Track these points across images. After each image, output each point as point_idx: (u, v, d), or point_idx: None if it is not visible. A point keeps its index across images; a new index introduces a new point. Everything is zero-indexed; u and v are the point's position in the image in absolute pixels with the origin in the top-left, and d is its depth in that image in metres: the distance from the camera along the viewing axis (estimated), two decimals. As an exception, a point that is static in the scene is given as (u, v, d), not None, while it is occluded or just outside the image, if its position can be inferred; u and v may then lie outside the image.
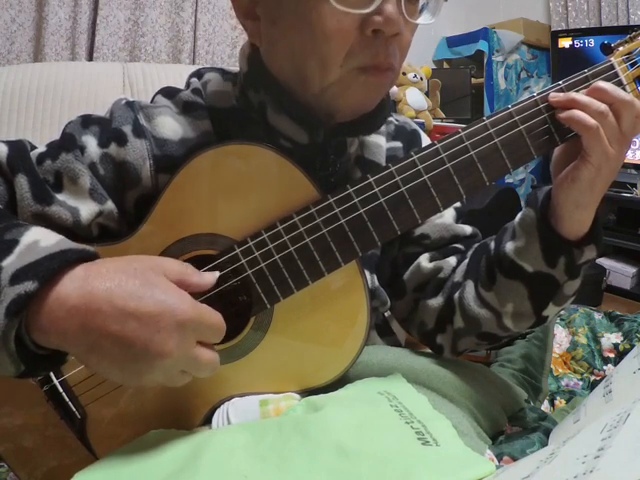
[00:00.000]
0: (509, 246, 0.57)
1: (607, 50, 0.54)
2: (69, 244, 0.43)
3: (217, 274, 0.48)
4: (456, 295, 0.62)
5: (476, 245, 0.66)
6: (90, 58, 1.89)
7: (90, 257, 0.44)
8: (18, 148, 0.53)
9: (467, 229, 0.68)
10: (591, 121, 0.48)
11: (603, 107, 0.49)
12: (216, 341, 0.45)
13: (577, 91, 0.51)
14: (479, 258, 0.61)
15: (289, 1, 0.50)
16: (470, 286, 0.60)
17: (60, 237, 0.44)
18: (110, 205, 0.54)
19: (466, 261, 0.64)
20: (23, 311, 0.39)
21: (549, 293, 0.56)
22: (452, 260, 0.66)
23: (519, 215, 0.58)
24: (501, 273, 0.57)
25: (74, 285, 0.41)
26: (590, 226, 0.54)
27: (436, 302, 0.64)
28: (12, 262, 0.41)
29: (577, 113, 0.49)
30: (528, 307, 0.57)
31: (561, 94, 0.51)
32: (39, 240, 0.43)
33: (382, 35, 0.49)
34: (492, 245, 0.60)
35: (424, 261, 0.66)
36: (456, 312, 0.62)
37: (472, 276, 0.61)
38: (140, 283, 0.41)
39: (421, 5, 0.53)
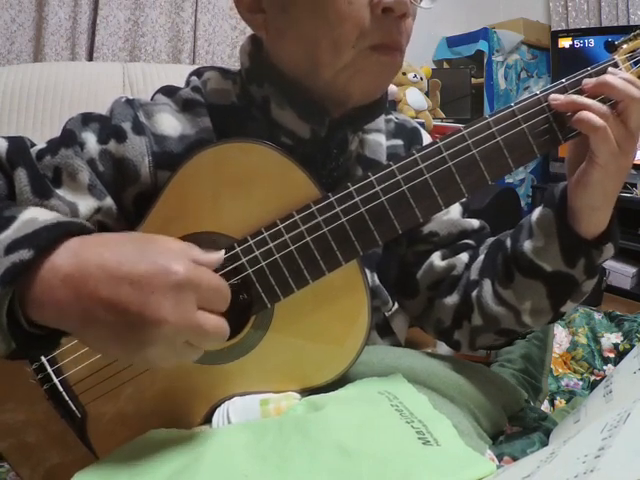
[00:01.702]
0: (527, 245, 0.57)
1: (611, 48, 0.53)
2: (66, 218, 0.43)
3: (222, 253, 0.45)
4: (474, 294, 0.62)
5: (489, 242, 0.66)
6: (90, 58, 1.89)
7: (87, 230, 0.43)
8: (18, 143, 0.53)
9: (474, 223, 0.69)
10: (599, 121, 0.48)
11: (604, 109, 0.48)
12: (222, 307, 0.42)
13: (580, 89, 0.51)
14: (495, 256, 0.61)
15: None
16: (487, 284, 0.61)
17: (58, 214, 0.44)
18: (109, 201, 0.54)
19: (481, 258, 0.64)
20: (17, 279, 0.39)
21: (568, 291, 0.57)
22: (464, 257, 0.66)
23: (535, 213, 0.57)
24: (519, 272, 0.57)
25: (68, 254, 0.40)
26: (607, 224, 0.54)
27: (452, 300, 0.64)
28: (8, 235, 0.41)
29: (584, 114, 0.49)
30: (546, 304, 0.57)
31: (561, 96, 0.51)
32: (37, 216, 0.43)
33: (391, 15, 0.51)
34: (508, 243, 0.60)
35: (436, 259, 0.66)
36: (474, 310, 0.62)
37: (489, 274, 0.61)
38: (134, 247, 0.41)
39: None
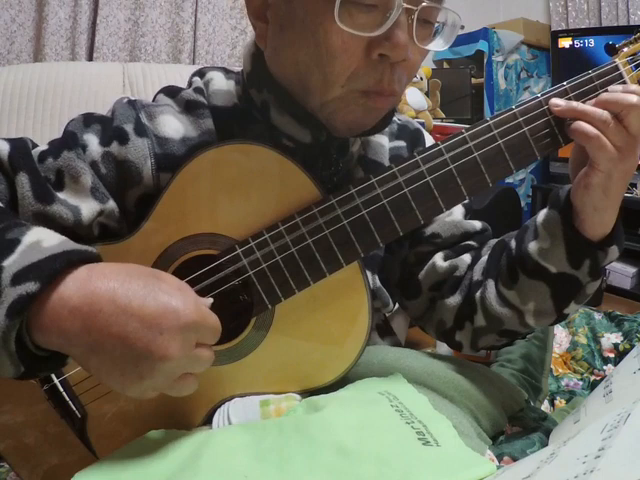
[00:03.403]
0: (532, 246, 0.57)
1: (611, 51, 0.53)
2: (72, 245, 0.43)
3: (211, 300, 0.47)
4: (477, 294, 0.62)
5: (493, 243, 0.66)
6: (90, 58, 1.89)
7: (93, 258, 0.43)
8: (20, 146, 0.53)
9: (477, 224, 0.69)
10: (592, 131, 0.48)
11: (605, 116, 0.49)
12: (213, 342, 0.45)
13: (581, 92, 0.51)
14: (499, 257, 0.61)
15: (299, 12, 0.49)
16: (491, 285, 0.61)
17: (63, 238, 0.44)
18: (111, 204, 0.54)
19: (484, 258, 0.64)
20: (24, 312, 0.39)
21: (572, 293, 0.57)
22: (466, 257, 0.66)
23: (541, 215, 0.57)
24: (524, 273, 0.57)
25: (76, 285, 0.40)
26: (612, 226, 0.54)
27: (454, 300, 0.64)
28: (14, 262, 0.40)
29: (578, 124, 0.49)
30: (550, 305, 0.57)
31: (562, 102, 0.51)
32: (41, 240, 0.42)
33: (388, 60, 0.49)
34: (513, 244, 0.60)
35: (439, 260, 0.66)
36: (477, 311, 0.62)
37: (492, 275, 0.61)
38: (144, 284, 0.41)
39: (435, 29, 0.52)
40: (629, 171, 0.51)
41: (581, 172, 0.52)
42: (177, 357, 0.40)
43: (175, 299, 0.41)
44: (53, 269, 0.40)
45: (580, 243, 0.54)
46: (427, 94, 2.35)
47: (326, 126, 0.56)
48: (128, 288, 0.40)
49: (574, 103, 0.50)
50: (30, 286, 0.39)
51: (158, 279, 0.43)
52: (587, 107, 0.50)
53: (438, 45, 0.53)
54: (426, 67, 2.43)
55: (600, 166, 0.49)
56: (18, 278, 0.39)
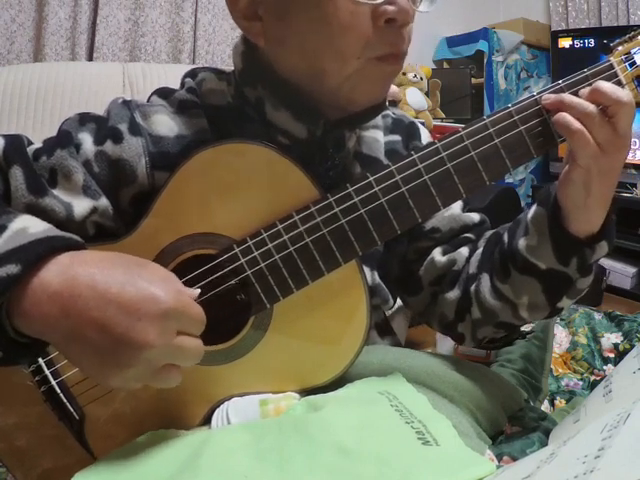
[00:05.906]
0: (522, 243, 0.57)
1: (606, 50, 0.54)
2: (56, 232, 0.43)
3: (198, 291, 0.47)
4: (472, 288, 0.63)
5: (488, 235, 0.67)
6: (90, 58, 1.89)
7: (77, 246, 0.44)
8: (15, 141, 0.53)
9: (475, 217, 0.69)
10: (575, 125, 0.48)
11: (590, 109, 0.48)
12: (198, 332, 0.44)
13: (577, 90, 0.51)
14: (492, 250, 0.62)
15: None
16: (485, 279, 0.61)
17: (49, 225, 0.44)
18: (104, 202, 0.54)
19: (479, 251, 0.65)
20: (5, 294, 0.39)
21: (563, 288, 0.57)
22: (464, 251, 0.66)
23: (531, 211, 0.58)
24: (515, 268, 0.58)
25: (58, 271, 0.40)
26: (602, 223, 0.54)
27: (454, 294, 0.65)
28: None
29: (562, 117, 0.49)
30: (543, 300, 0.58)
31: (552, 95, 0.51)
32: (28, 227, 0.43)
33: (394, 24, 0.51)
34: (505, 238, 0.60)
35: (437, 255, 0.67)
36: (473, 304, 0.63)
37: (487, 269, 0.62)
38: (124, 271, 0.41)
39: None
40: (611, 170, 0.51)
41: (564, 168, 0.52)
42: (157, 345, 0.40)
43: (154, 286, 0.41)
44: (36, 253, 0.40)
45: (566, 240, 0.54)
46: (427, 94, 2.36)
47: (342, 106, 0.57)
48: (108, 274, 0.41)
49: (562, 95, 0.50)
50: (11, 268, 0.39)
51: (140, 267, 0.43)
52: (574, 99, 0.50)
53: (425, 6, 0.56)
54: (426, 67, 2.43)
55: (579, 160, 0.50)
56: (0, 261, 0.39)
